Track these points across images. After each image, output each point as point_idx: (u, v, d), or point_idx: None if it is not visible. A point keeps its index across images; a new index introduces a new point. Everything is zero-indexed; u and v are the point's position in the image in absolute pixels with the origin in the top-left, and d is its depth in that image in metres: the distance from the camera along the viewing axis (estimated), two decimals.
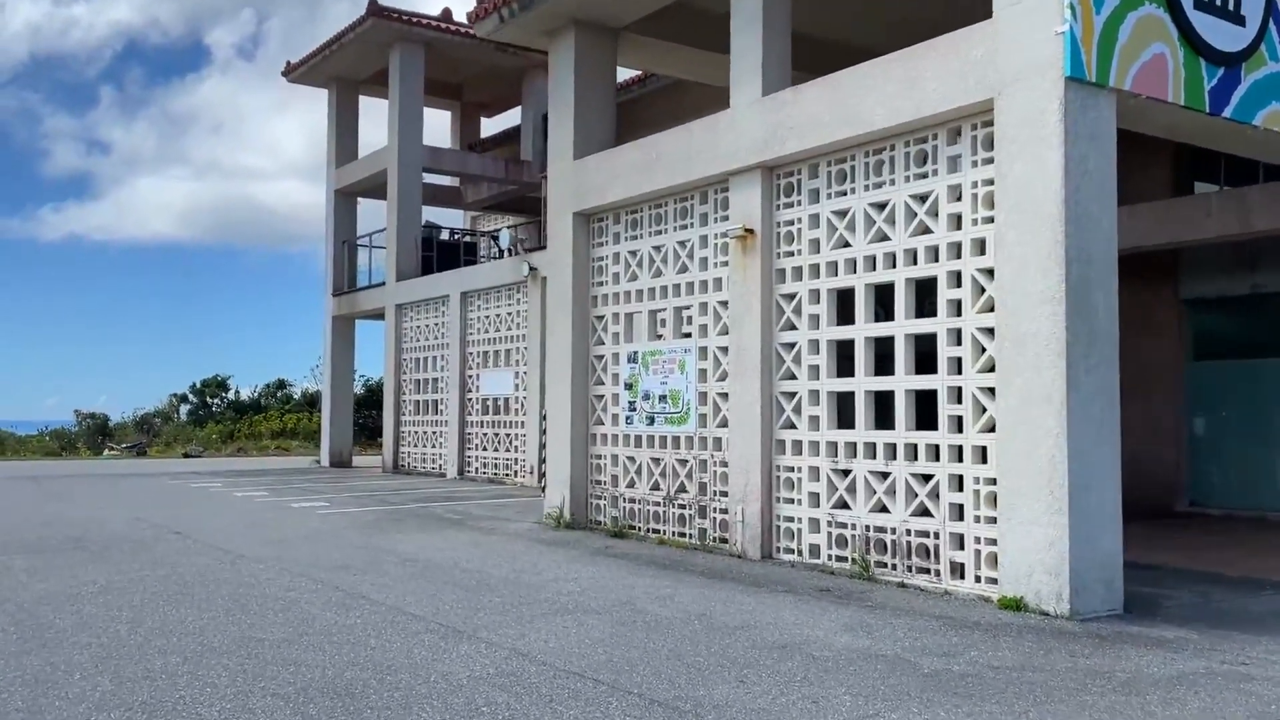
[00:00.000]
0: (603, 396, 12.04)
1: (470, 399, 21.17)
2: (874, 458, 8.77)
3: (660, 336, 11.27)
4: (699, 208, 10.76)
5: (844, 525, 8.97)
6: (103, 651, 6.20)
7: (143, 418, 41.17)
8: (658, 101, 20.15)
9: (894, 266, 8.68)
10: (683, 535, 10.81)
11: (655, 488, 11.20)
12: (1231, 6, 8.19)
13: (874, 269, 8.86)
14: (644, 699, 5.22)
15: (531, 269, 18.70)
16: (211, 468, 25.64)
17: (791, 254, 9.64)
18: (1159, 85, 7.79)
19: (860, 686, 5.46)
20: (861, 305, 8.92)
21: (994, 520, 7.72)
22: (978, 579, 7.84)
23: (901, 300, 8.56)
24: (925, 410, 8.60)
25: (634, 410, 11.50)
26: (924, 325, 8.40)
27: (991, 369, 7.81)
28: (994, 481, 7.73)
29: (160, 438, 38.10)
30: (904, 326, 8.56)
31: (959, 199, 8.16)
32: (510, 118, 28.68)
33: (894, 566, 8.49)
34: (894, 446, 8.61)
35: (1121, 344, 7.59)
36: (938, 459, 8.23)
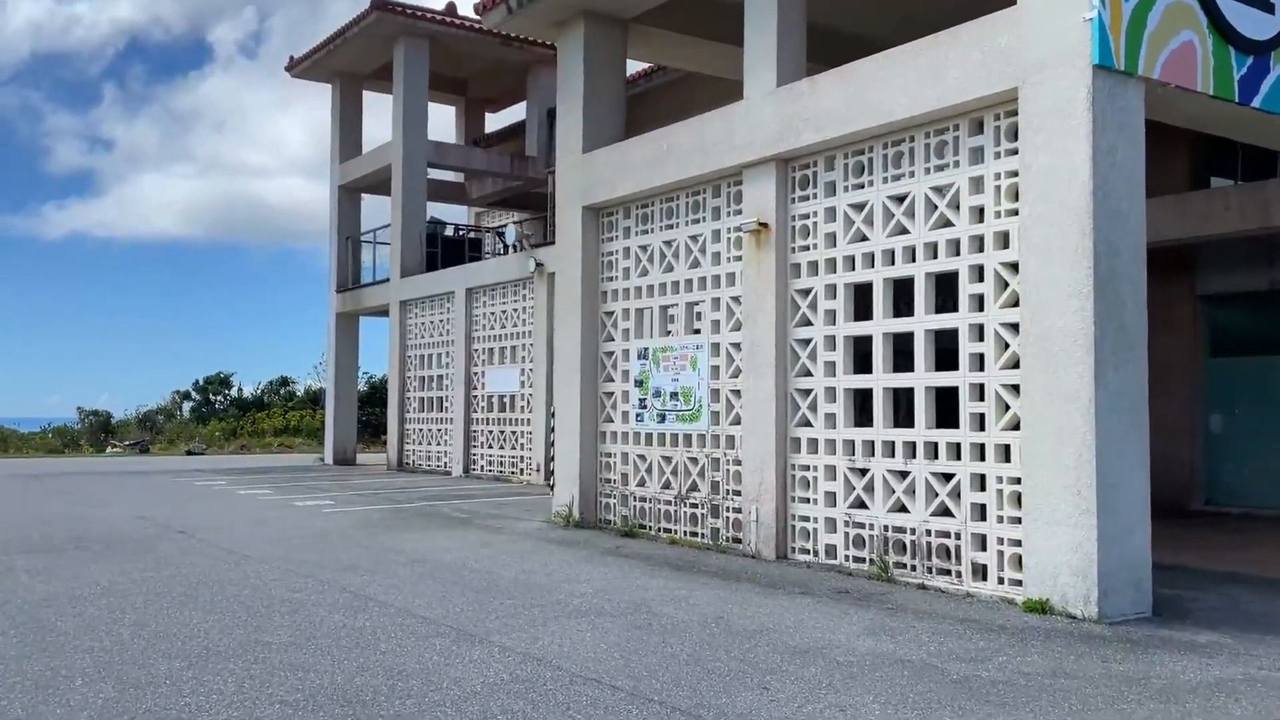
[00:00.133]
0: (612, 394, 11.85)
1: (475, 396, 20.99)
2: (893, 456, 8.58)
3: (671, 333, 11.07)
4: (711, 201, 10.56)
5: (861, 525, 8.78)
6: (105, 656, 6.03)
7: (145, 415, 41.05)
8: (664, 96, 19.95)
9: (913, 260, 8.49)
10: (695, 535, 10.63)
11: (666, 486, 11.01)
12: None
13: (893, 263, 8.66)
14: (665, 707, 5.03)
15: (538, 265, 18.51)
16: (215, 465, 25.49)
17: (807, 248, 9.44)
18: (1188, 74, 7.59)
19: (888, 694, 5.27)
20: (880, 300, 8.73)
21: (1018, 520, 7.52)
22: (1001, 581, 7.65)
23: (921, 295, 8.37)
24: (945, 408, 8.41)
25: (644, 408, 11.32)
26: (945, 320, 8.20)
27: (1015, 365, 7.62)
28: (1018, 481, 7.54)
29: (163, 435, 37.96)
30: (924, 322, 8.36)
31: (981, 191, 7.96)
32: (515, 113, 28.49)
33: (913, 568, 8.30)
34: (913, 445, 8.42)
35: None
36: (959, 457, 8.04)
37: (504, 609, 7.36)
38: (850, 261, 9.04)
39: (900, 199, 8.61)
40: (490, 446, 20.51)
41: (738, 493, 10.06)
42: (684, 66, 14.75)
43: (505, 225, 24.14)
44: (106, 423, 39.01)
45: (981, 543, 7.84)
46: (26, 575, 8.79)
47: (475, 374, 21.04)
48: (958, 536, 7.98)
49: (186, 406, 44.14)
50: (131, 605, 7.49)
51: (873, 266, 8.83)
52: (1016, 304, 7.61)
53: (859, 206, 8.96)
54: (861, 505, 8.83)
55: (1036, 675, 5.64)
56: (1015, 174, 7.65)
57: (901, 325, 8.59)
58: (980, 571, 7.84)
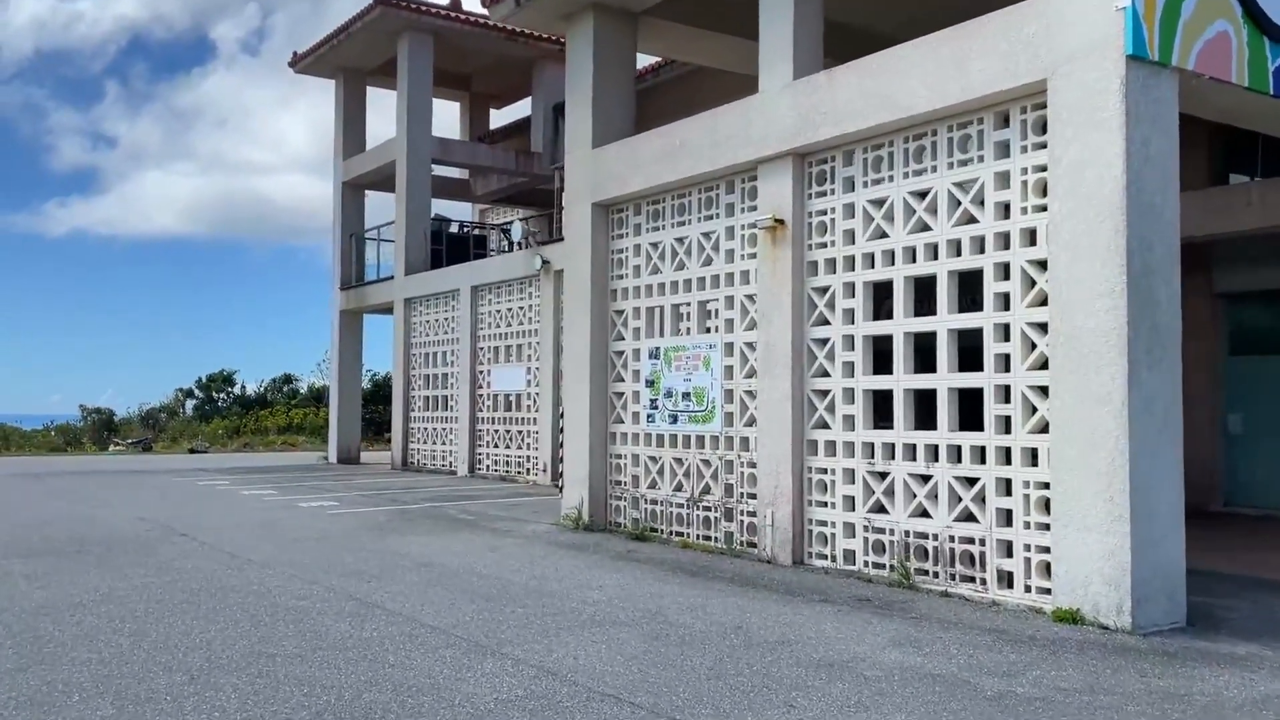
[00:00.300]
0: (623, 394, 11.62)
1: (481, 395, 20.76)
2: (914, 459, 8.33)
3: (683, 332, 10.83)
4: (725, 197, 10.32)
5: (881, 530, 8.54)
6: (104, 669, 5.80)
7: (148, 413, 40.89)
8: (670, 92, 19.69)
9: (935, 258, 8.24)
10: (708, 539, 10.39)
11: (678, 489, 10.78)
12: None
13: (914, 261, 8.42)
14: None
15: (544, 262, 18.27)
16: (218, 464, 25.29)
17: (824, 245, 9.19)
18: (1222, 65, 7.34)
19: (921, 712, 5.04)
20: (901, 299, 8.48)
21: (1046, 527, 7.28)
22: (1028, 589, 7.41)
23: (944, 293, 8.12)
24: (968, 410, 8.17)
25: (656, 408, 11.08)
26: (969, 320, 7.96)
27: (1043, 366, 7.38)
28: (1046, 485, 7.30)
29: (166, 433, 37.80)
30: (947, 321, 8.12)
31: (1007, 186, 7.71)
32: (520, 109, 28.23)
33: (936, 574, 8.06)
34: (936, 448, 8.17)
35: None
36: (984, 461, 7.80)
37: (515, 618, 7.13)
38: (869, 259, 8.79)
39: (922, 195, 8.36)
40: (496, 446, 20.28)
41: (753, 496, 9.82)
42: (695, 60, 14.50)
43: (511, 222, 23.89)
44: (109, 421, 38.86)
45: (1007, 549, 7.60)
46: (24, 581, 8.57)
47: (481, 372, 20.82)
48: (982, 543, 7.74)
49: (189, 404, 44.00)
50: (131, 613, 7.27)
51: (893, 264, 8.58)
52: (1044, 303, 7.37)
53: (879, 202, 8.72)
54: (881, 510, 8.59)
55: (1074, 691, 5.40)
56: (1043, 168, 7.40)
57: (923, 325, 8.34)
58: (1006, 579, 7.60)
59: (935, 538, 8.09)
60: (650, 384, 11.18)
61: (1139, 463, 6.70)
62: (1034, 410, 7.45)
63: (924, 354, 8.50)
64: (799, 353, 9.29)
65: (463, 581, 8.53)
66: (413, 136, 22.75)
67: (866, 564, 8.66)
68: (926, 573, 8.14)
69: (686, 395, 10.65)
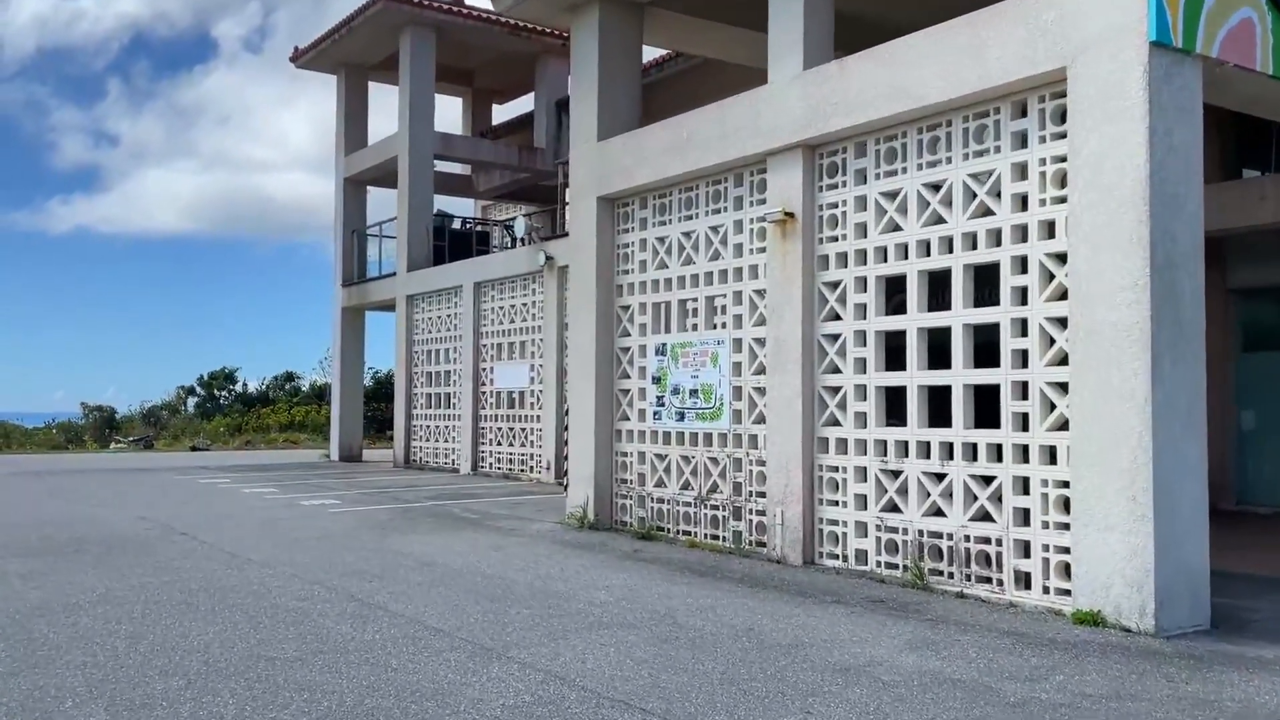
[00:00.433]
0: (628, 391, 11.44)
1: (484, 392, 20.60)
2: (928, 457, 8.15)
3: (691, 327, 10.65)
4: (733, 190, 10.13)
5: (894, 530, 8.36)
6: (98, 672, 5.64)
7: (150, 411, 40.78)
8: (675, 86, 19.50)
9: (950, 251, 8.06)
10: (716, 538, 10.21)
11: (686, 487, 10.60)
12: None
13: (928, 254, 8.23)
14: None
15: (548, 258, 18.10)
16: (219, 462, 25.14)
17: (835, 239, 9.01)
18: (1246, 53, 7.14)
19: None
20: (914, 293, 8.29)
21: (1065, 526, 7.10)
22: (1046, 590, 7.22)
23: (960, 288, 7.94)
24: (984, 407, 7.99)
25: (662, 405, 10.90)
26: (985, 314, 7.77)
27: (1062, 362, 7.19)
28: (1065, 484, 7.11)
29: (167, 431, 37.69)
30: (962, 316, 7.93)
31: (1025, 178, 7.52)
32: (522, 105, 28.05)
33: (951, 575, 7.88)
34: (950, 445, 7.99)
35: None
36: (1000, 459, 7.61)
37: (521, 619, 6.96)
38: (882, 253, 8.61)
39: (936, 187, 8.17)
40: (499, 444, 20.11)
41: (761, 494, 9.65)
42: (701, 53, 14.31)
43: (514, 218, 23.69)
44: (111, 418, 38.75)
45: (1025, 549, 7.42)
46: (20, 581, 8.41)
47: (484, 370, 20.65)
48: (999, 543, 7.56)
49: (191, 402, 43.90)
50: (128, 614, 7.11)
51: (906, 258, 8.40)
52: (1063, 297, 7.19)
53: (891, 195, 8.53)
54: (894, 509, 8.41)
55: (1100, 697, 5.22)
56: (1063, 159, 7.21)
57: (938, 320, 8.16)
58: (1023, 580, 7.41)
59: (950, 537, 7.91)
60: (657, 381, 11.00)
61: (1163, 460, 6.52)
62: (1052, 407, 7.27)
63: (936, 350, 8.32)
64: (809, 348, 9.11)
65: (467, 581, 8.36)
66: (415, 132, 22.57)
67: (879, 564, 8.48)
68: (941, 573, 7.96)
69: (694, 392, 10.47)
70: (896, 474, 8.40)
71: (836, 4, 9.63)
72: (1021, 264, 7.52)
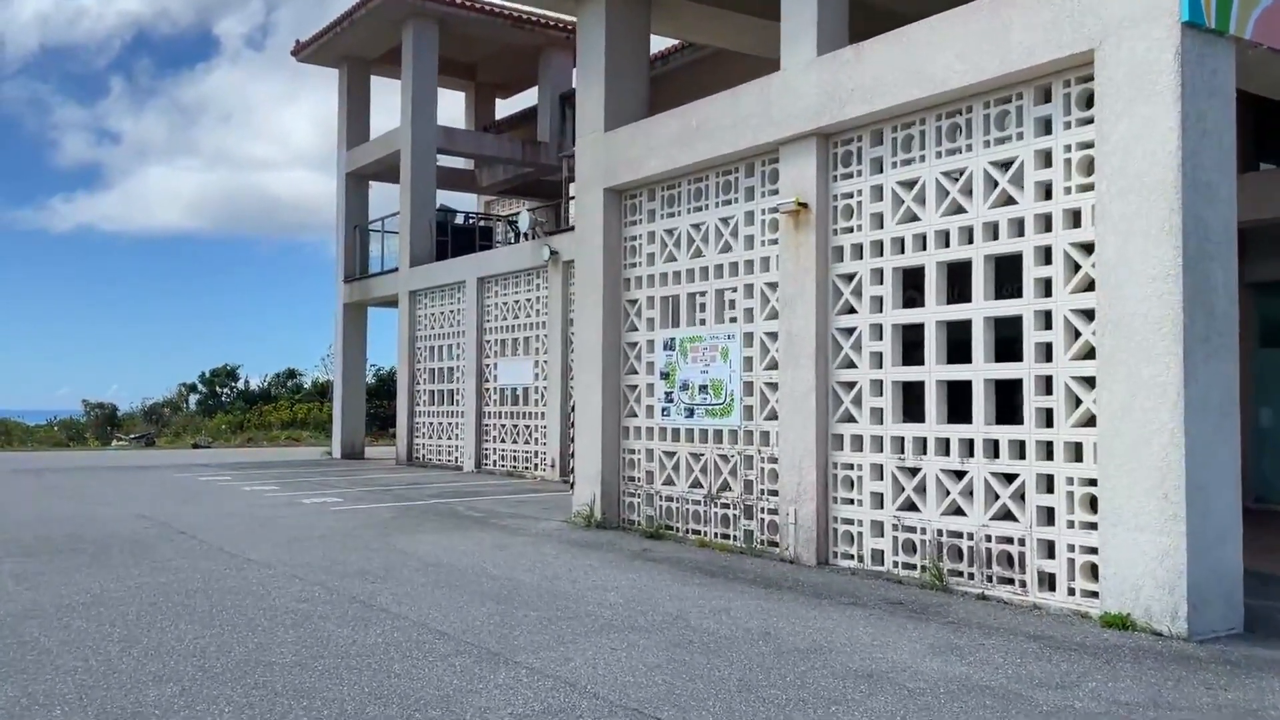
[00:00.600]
0: (636, 387, 11.19)
1: (487, 389, 20.36)
2: (947, 455, 7.90)
3: (701, 322, 10.40)
4: (744, 181, 9.88)
5: (912, 529, 8.12)
6: (89, 678, 5.41)
7: (151, 408, 40.58)
8: (681, 78, 19.23)
9: (970, 242, 7.80)
10: (726, 537, 9.97)
11: (695, 485, 10.36)
12: None
13: (947, 245, 7.98)
14: None
15: (552, 253, 17.85)
16: (220, 459, 24.92)
17: (850, 230, 8.76)
18: (1279, 35, 6.88)
19: None
20: (933, 285, 8.05)
21: (1092, 526, 6.85)
22: (1072, 592, 6.98)
23: (980, 279, 7.69)
24: (1005, 403, 7.75)
25: (671, 401, 10.66)
26: (1007, 307, 7.52)
27: (1088, 356, 6.94)
28: (1091, 483, 6.86)
29: (169, 428, 37.48)
30: (983, 309, 7.68)
31: (1049, 165, 7.27)
32: (526, 99, 27.80)
33: (971, 576, 7.63)
34: (971, 442, 7.74)
35: None
36: (1023, 457, 7.36)
37: (529, 622, 6.72)
38: (899, 244, 8.36)
39: (956, 175, 7.92)
40: (503, 441, 19.88)
41: (774, 493, 9.40)
42: (710, 42, 14.03)
43: (518, 213, 23.44)
44: (112, 416, 38.55)
45: (1049, 550, 7.17)
46: (13, 581, 8.18)
47: (487, 366, 20.41)
48: (1022, 543, 7.31)
49: (193, 399, 43.70)
50: (123, 617, 6.88)
51: (924, 249, 8.15)
52: (1090, 288, 6.94)
53: (909, 184, 8.28)
54: (912, 507, 8.17)
55: (1137, 705, 4.98)
56: (1089, 145, 6.96)
57: (957, 312, 7.91)
58: (1047, 581, 7.17)
59: (970, 537, 7.66)
60: (665, 376, 10.75)
61: (1195, 458, 6.27)
62: (1078, 402, 7.02)
63: (953, 345, 8.08)
64: (823, 343, 8.86)
65: (471, 582, 8.13)
66: (417, 126, 22.32)
67: (896, 564, 8.24)
68: (961, 574, 7.71)
69: (704, 388, 10.23)
70: (914, 472, 8.15)
71: None
72: (1045, 254, 7.27)
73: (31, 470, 21.06)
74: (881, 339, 8.47)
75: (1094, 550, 6.81)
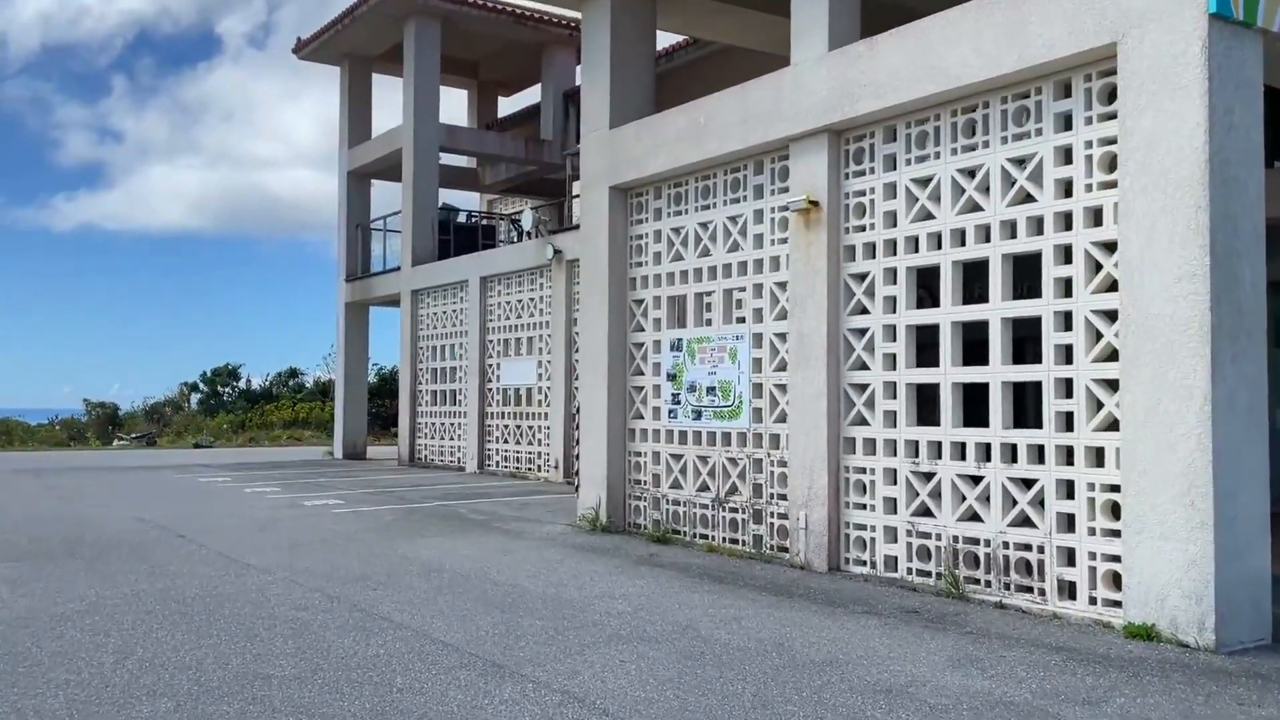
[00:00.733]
0: (642, 388, 11.00)
1: (490, 389, 20.17)
2: (963, 459, 7.71)
3: (708, 322, 10.21)
4: (753, 179, 9.68)
5: (927, 535, 7.92)
6: (81, 692, 5.23)
7: (153, 407, 40.45)
8: (687, 74, 19.03)
9: (987, 241, 7.61)
10: (735, 542, 9.78)
11: (703, 489, 10.16)
12: None
13: (963, 244, 7.78)
14: None
15: (556, 251, 17.66)
16: (221, 459, 24.75)
17: (863, 228, 8.56)
18: None
19: None
20: (948, 285, 7.85)
21: (1114, 533, 6.66)
22: (1093, 601, 6.78)
23: (998, 279, 7.49)
24: (1022, 406, 7.56)
25: (678, 403, 10.47)
26: (1026, 307, 7.32)
27: (1110, 358, 6.75)
28: (1114, 488, 6.67)
29: (170, 428, 37.33)
30: (1001, 309, 7.48)
31: (1069, 162, 7.07)
32: (528, 97, 27.61)
33: (988, 584, 7.44)
34: (988, 446, 7.55)
35: None
36: (1042, 461, 7.17)
37: (534, 632, 6.53)
38: (913, 242, 8.16)
39: (972, 172, 7.72)
40: (506, 441, 19.69)
41: (783, 497, 9.21)
42: (717, 38, 13.84)
43: (521, 211, 23.25)
44: (113, 415, 38.42)
45: (1069, 557, 6.97)
46: (7, 588, 8.00)
47: (490, 366, 20.23)
48: (1041, 550, 7.12)
49: (194, 398, 43.55)
50: (118, 626, 6.70)
51: (939, 248, 7.95)
52: (1112, 288, 6.74)
53: (923, 181, 8.08)
54: (927, 513, 7.97)
55: None
56: (1112, 141, 6.76)
57: (974, 313, 7.71)
58: (1067, 590, 6.97)
59: (987, 544, 7.46)
60: (672, 378, 10.56)
61: (1223, 463, 6.08)
62: (1099, 405, 6.83)
63: (969, 346, 7.89)
64: (835, 344, 8.67)
65: (475, 589, 7.94)
66: (419, 123, 22.13)
67: (910, 571, 8.04)
68: (977, 581, 7.52)
69: (711, 389, 10.04)
70: (929, 476, 7.96)
71: None
72: (1065, 253, 7.07)
73: (31, 470, 20.89)
74: (895, 340, 8.27)
75: (1116, 558, 6.61)
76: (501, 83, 28.02)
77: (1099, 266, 6.85)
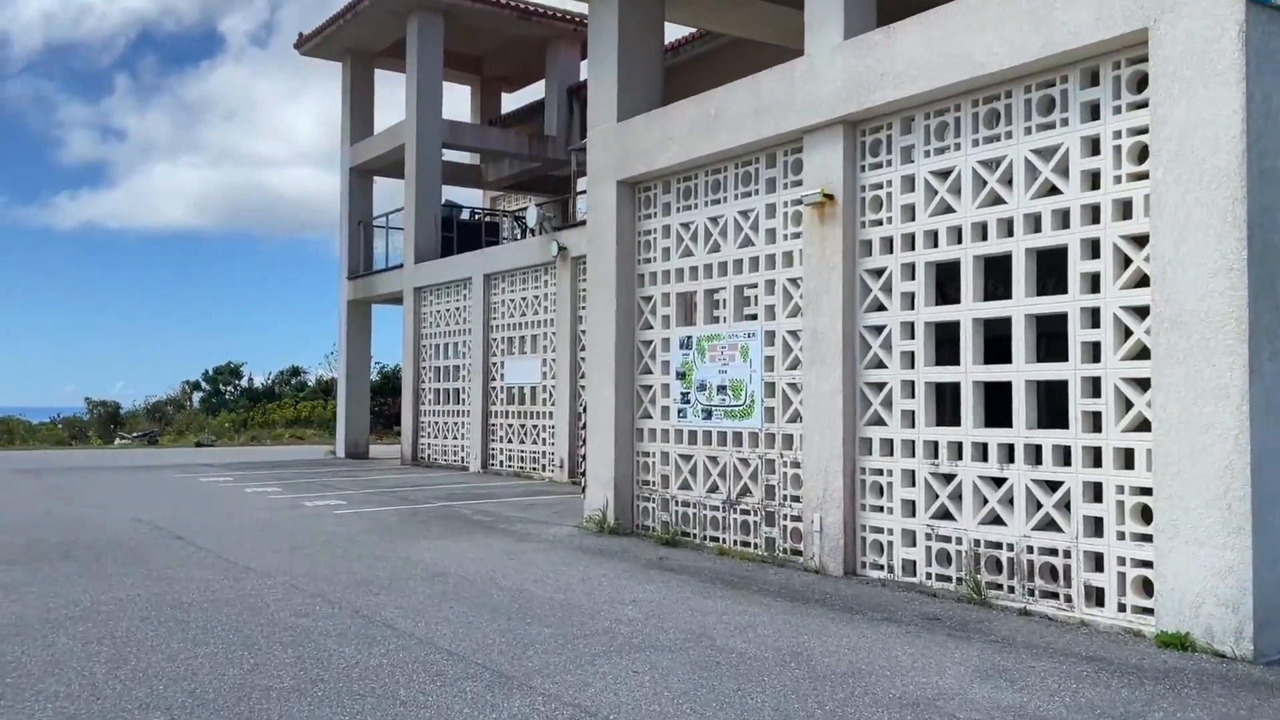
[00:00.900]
0: (650, 387, 10.76)
1: (494, 388, 19.94)
2: (985, 460, 7.46)
3: (719, 319, 9.97)
4: (765, 172, 9.43)
5: (947, 539, 7.67)
6: (70, 705, 5.00)
7: (155, 406, 40.25)
8: (695, 69, 18.77)
9: (1010, 235, 7.36)
10: (746, 545, 9.53)
11: (713, 490, 9.92)
12: None
13: (984, 238, 7.54)
14: None
15: (561, 248, 17.42)
16: (223, 458, 24.54)
17: (879, 222, 8.32)
18: None
19: None
20: (970, 280, 7.60)
21: (1144, 538, 6.41)
22: (1123, 608, 6.54)
23: (1021, 274, 7.24)
24: (1046, 406, 7.31)
25: (688, 402, 10.22)
26: (1051, 303, 7.07)
27: (1140, 355, 6.50)
28: (1144, 491, 6.42)
29: (172, 426, 37.13)
30: (1024, 306, 7.23)
31: (1097, 153, 6.82)
32: (532, 93, 27.35)
33: (1012, 589, 7.19)
34: (1011, 447, 7.30)
35: None
36: (1068, 463, 6.92)
37: (542, 640, 6.29)
38: (932, 237, 7.91)
39: (994, 164, 7.47)
40: (510, 441, 19.46)
41: (797, 499, 8.97)
42: (727, 30, 13.58)
43: (525, 208, 23.01)
44: (115, 414, 38.23)
45: (1097, 562, 6.73)
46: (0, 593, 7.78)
47: (493, 364, 19.99)
48: (1067, 554, 6.87)
49: (196, 397, 43.37)
50: (111, 633, 6.46)
51: (959, 242, 7.70)
52: (1142, 284, 6.50)
53: (943, 174, 7.83)
54: (946, 516, 7.72)
55: None
56: (1142, 131, 6.51)
57: (996, 309, 7.46)
58: (1095, 596, 6.73)
59: (1011, 548, 7.22)
60: (681, 376, 10.32)
61: (1262, 466, 5.83)
62: (1129, 405, 6.58)
63: (990, 344, 7.64)
64: (850, 341, 8.42)
65: (481, 594, 7.70)
66: (422, 119, 21.89)
67: (929, 575, 7.80)
68: (1000, 587, 7.27)
69: (722, 388, 9.79)
70: (949, 478, 7.71)
71: None
72: (1093, 248, 6.82)
73: (31, 470, 20.68)
74: (913, 337, 8.03)
75: (1147, 564, 6.37)
76: (505, 78, 27.76)
77: (1128, 261, 6.61)
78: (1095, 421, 6.79)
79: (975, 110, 7.59)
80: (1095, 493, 6.75)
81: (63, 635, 6.43)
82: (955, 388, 7.76)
